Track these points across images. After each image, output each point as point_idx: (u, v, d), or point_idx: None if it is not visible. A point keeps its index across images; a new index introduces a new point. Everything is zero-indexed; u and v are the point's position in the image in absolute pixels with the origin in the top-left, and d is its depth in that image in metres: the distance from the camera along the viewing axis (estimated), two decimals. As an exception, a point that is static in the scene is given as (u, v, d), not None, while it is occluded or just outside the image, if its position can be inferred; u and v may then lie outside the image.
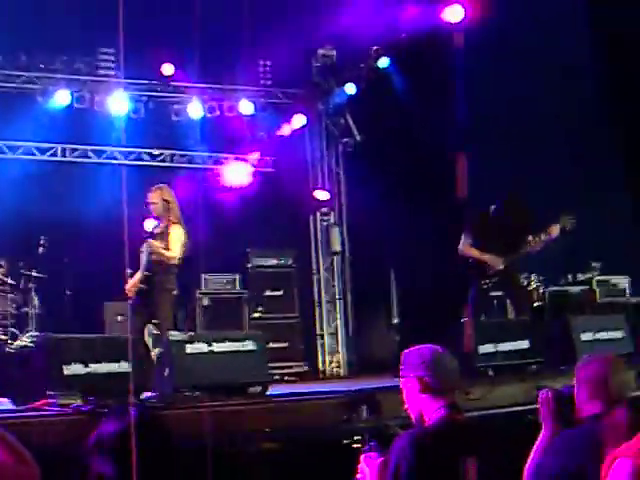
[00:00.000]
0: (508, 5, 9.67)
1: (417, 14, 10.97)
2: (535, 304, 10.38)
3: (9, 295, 9.96)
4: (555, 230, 8.46)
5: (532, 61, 10.02)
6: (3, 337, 9.51)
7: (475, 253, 8.68)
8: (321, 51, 12.32)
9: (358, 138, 12.60)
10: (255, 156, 12.62)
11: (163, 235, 8.17)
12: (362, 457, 3.74)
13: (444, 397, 3.69)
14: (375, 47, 11.69)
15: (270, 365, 8.78)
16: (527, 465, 3.84)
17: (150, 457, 3.36)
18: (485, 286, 8.62)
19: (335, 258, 13.04)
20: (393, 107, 11.47)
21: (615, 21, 8.73)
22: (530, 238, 8.49)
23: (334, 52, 12.35)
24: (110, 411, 5.06)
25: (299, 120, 12.79)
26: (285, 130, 12.78)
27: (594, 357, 3.97)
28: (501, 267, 8.53)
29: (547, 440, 3.85)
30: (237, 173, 12.49)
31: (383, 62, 11.72)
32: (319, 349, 12.70)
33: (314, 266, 13.06)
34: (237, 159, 12.70)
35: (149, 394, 7.08)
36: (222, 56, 11.29)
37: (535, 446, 3.87)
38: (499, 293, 9.27)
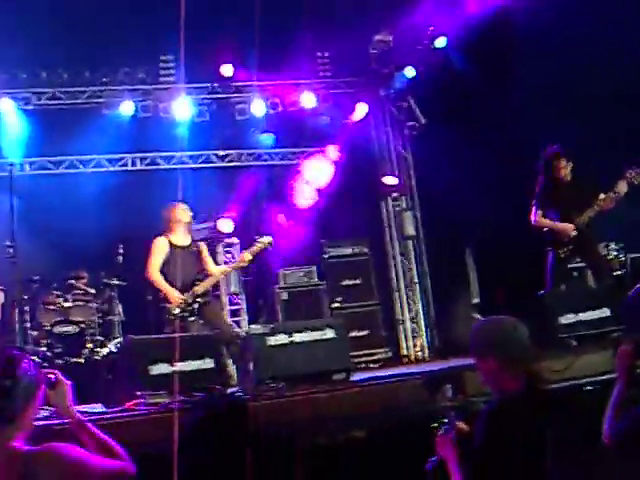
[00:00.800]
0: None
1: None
2: (616, 272, 10.20)
3: (93, 305, 10.21)
4: (622, 186, 8.28)
5: (592, 41, 9.82)
6: (90, 345, 9.75)
7: (547, 223, 8.57)
8: (377, 37, 12.28)
9: (423, 121, 12.55)
10: (333, 150, 12.69)
11: (198, 251, 8.75)
12: (438, 435, 3.79)
13: (520, 368, 3.67)
14: (431, 27, 11.62)
15: (353, 353, 8.84)
16: (607, 424, 3.78)
17: (241, 443, 3.45)
18: (562, 255, 8.50)
19: (410, 242, 13.01)
20: (455, 86, 11.37)
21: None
22: (601, 196, 8.34)
23: (390, 37, 12.30)
24: (200, 403, 5.17)
25: (362, 109, 12.80)
26: (351, 119, 12.81)
27: None
28: (574, 233, 8.40)
29: (622, 395, 3.80)
30: (319, 171, 12.61)
31: (440, 42, 11.65)
32: (401, 335, 12.69)
33: (389, 252, 13.05)
34: (314, 154, 12.80)
35: (234, 389, 7.19)
36: (280, 51, 11.34)
37: (611, 402, 3.83)
38: (579, 264, 9.14)
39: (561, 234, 8.47)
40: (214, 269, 8.76)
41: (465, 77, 11.27)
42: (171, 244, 8.62)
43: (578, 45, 9.84)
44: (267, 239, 8.77)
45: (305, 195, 12.54)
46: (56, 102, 11.68)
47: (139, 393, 6.25)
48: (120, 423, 5.77)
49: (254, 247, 8.70)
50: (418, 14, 11.02)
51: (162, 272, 8.49)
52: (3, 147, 11.33)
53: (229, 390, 7.05)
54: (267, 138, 12.72)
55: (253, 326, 7.82)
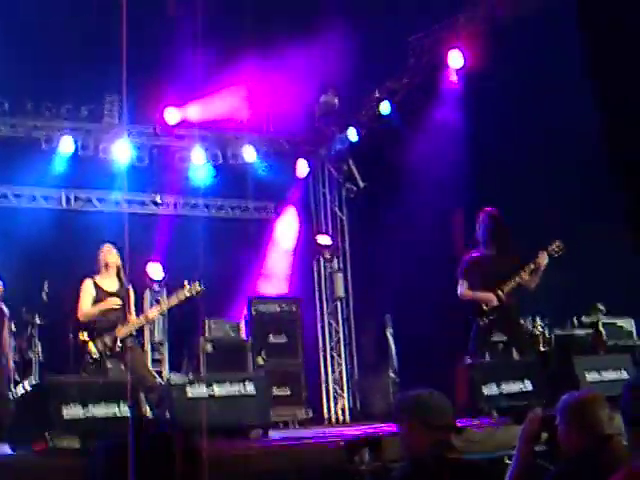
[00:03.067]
0: (510, 54, 9.75)
1: (420, 59, 11.16)
2: (541, 348, 10.28)
3: (11, 342, 9.92)
4: (542, 257, 8.35)
5: (531, 107, 10.04)
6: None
7: (471, 294, 8.58)
8: (323, 97, 12.40)
9: (361, 184, 12.59)
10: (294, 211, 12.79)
11: (126, 296, 8.55)
12: None
13: (435, 437, 3.72)
14: (377, 92, 11.78)
15: (274, 412, 8.71)
16: None
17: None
18: (482, 323, 8.50)
19: (339, 304, 13.01)
20: (395, 152, 11.49)
21: (618, 74, 8.71)
22: (521, 269, 8.40)
23: (336, 98, 12.43)
24: (105, 449, 5.01)
25: (303, 167, 12.87)
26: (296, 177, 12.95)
27: (577, 393, 3.93)
28: (495, 303, 8.43)
29: (523, 465, 3.81)
30: (287, 232, 12.70)
31: (385, 107, 11.79)
32: (324, 396, 12.61)
33: (318, 312, 13.03)
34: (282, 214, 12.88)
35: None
36: (224, 103, 11.38)
37: (510, 473, 3.83)
38: (504, 338, 9.18)
39: (482, 303, 8.48)
40: (132, 318, 8.54)
41: (404, 145, 11.37)
42: (97, 286, 8.48)
43: (517, 119, 10.07)
44: (197, 287, 8.52)
45: (275, 253, 12.64)
46: (-7, 131, 11.52)
47: (48, 436, 6.05)
48: (25, 467, 5.57)
49: (180, 293, 8.52)
50: (365, 77, 11.18)
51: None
52: None
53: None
54: (207, 175, 12.58)
55: (173, 375, 7.67)
